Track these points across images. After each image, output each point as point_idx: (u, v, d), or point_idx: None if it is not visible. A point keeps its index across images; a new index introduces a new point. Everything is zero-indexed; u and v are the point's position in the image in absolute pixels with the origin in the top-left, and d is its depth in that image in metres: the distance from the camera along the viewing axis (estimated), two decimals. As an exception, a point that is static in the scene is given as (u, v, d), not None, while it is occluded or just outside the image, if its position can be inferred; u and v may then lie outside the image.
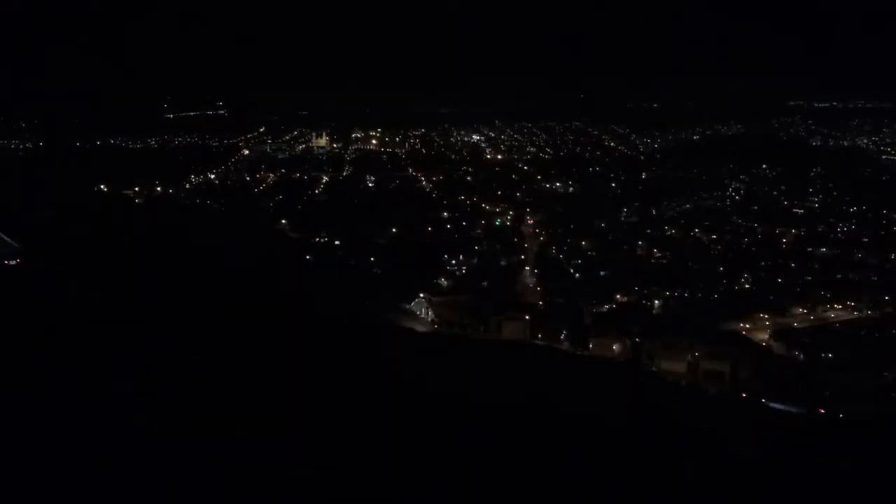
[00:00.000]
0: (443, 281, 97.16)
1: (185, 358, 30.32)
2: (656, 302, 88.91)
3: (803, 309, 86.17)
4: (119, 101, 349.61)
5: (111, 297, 43.11)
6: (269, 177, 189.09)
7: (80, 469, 17.10)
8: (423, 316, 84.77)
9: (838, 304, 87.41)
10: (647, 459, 27.85)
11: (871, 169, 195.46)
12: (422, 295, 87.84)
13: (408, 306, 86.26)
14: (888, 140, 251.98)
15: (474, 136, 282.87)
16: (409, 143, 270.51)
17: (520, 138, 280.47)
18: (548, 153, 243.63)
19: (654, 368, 69.33)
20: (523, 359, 62.04)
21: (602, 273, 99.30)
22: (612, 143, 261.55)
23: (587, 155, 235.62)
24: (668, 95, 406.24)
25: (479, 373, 45.63)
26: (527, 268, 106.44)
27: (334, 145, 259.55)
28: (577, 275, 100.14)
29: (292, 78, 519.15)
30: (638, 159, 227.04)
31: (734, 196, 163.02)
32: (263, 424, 23.05)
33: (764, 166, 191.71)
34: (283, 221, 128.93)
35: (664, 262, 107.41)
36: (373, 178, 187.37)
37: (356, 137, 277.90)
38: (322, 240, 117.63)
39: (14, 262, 55.10)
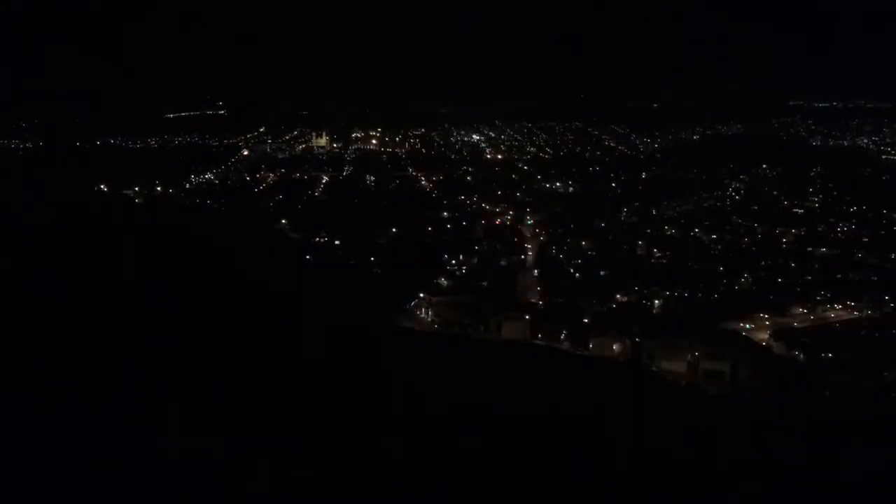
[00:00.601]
0: (443, 281, 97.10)
1: (185, 358, 30.31)
2: (656, 302, 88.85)
3: (803, 309, 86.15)
4: (119, 101, 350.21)
5: (111, 298, 43.08)
6: (269, 177, 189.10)
7: (80, 469, 17.09)
8: (423, 316, 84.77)
9: (838, 304, 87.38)
10: (647, 459, 27.84)
11: (871, 169, 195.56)
12: (422, 295, 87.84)
13: (408, 306, 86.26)
14: (888, 140, 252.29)
15: (474, 136, 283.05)
16: (409, 143, 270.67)
17: (520, 138, 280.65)
18: (548, 153, 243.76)
19: (654, 368, 69.30)
20: (523, 359, 62.03)
21: (602, 273, 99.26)
22: (612, 143, 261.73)
23: (587, 155, 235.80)
24: (668, 95, 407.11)
25: (479, 373, 45.61)
26: (527, 268, 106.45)
27: (334, 145, 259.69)
28: (577, 275, 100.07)
29: (292, 78, 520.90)
30: (638, 159, 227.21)
31: (734, 196, 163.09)
32: (263, 425, 23.05)
33: (764, 166, 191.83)
34: (283, 221, 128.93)
35: (664, 262, 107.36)
36: (373, 178, 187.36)
37: (356, 137, 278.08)
38: (322, 240, 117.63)
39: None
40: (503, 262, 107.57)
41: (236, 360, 32.19)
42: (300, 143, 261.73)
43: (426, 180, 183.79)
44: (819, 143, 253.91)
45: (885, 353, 70.79)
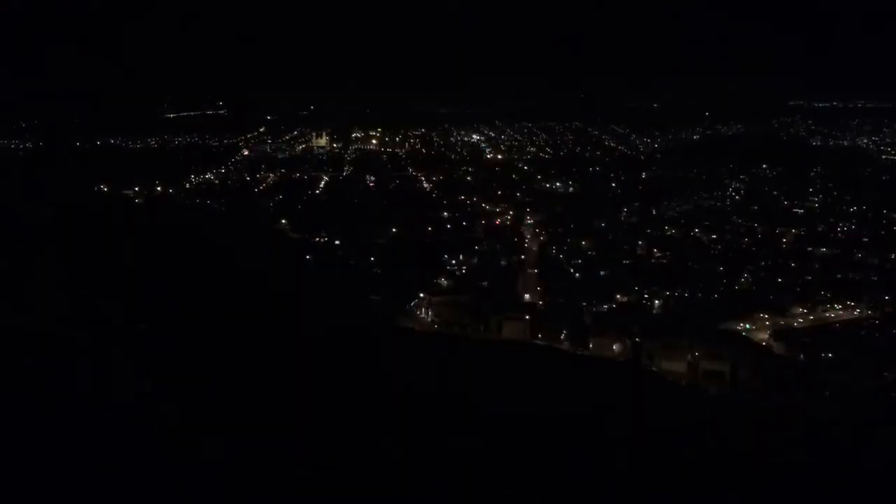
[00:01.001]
0: (443, 281, 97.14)
1: (184, 358, 30.31)
2: (656, 302, 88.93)
3: (803, 309, 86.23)
4: (119, 101, 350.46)
5: (111, 297, 43.08)
6: (269, 177, 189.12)
7: (80, 469, 17.10)
8: (423, 316, 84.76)
9: (838, 304, 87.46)
10: (648, 460, 27.83)
11: (871, 169, 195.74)
12: (422, 295, 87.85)
13: (408, 306, 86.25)
14: (888, 140, 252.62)
15: (474, 136, 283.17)
16: (409, 143, 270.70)
17: (520, 138, 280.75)
18: (548, 153, 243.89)
19: (654, 368, 69.30)
20: (523, 359, 62.01)
21: (602, 273, 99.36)
22: (612, 143, 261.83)
23: (587, 155, 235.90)
24: (668, 95, 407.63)
25: (479, 373, 45.60)
26: (527, 268, 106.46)
27: (334, 145, 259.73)
28: (577, 275, 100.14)
29: (292, 78, 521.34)
30: (638, 159, 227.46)
31: (734, 196, 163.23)
32: (263, 425, 23.06)
33: (764, 166, 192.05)
34: (283, 221, 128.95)
35: (664, 262, 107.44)
36: (373, 178, 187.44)
37: (356, 137, 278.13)
38: (322, 240, 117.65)
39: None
40: (503, 262, 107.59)
41: (236, 359, 32.17)
42: (300, 143, 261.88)
43: (426, 180, 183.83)
44: (819, 143, 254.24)
45: (885, 353, 70.81)
